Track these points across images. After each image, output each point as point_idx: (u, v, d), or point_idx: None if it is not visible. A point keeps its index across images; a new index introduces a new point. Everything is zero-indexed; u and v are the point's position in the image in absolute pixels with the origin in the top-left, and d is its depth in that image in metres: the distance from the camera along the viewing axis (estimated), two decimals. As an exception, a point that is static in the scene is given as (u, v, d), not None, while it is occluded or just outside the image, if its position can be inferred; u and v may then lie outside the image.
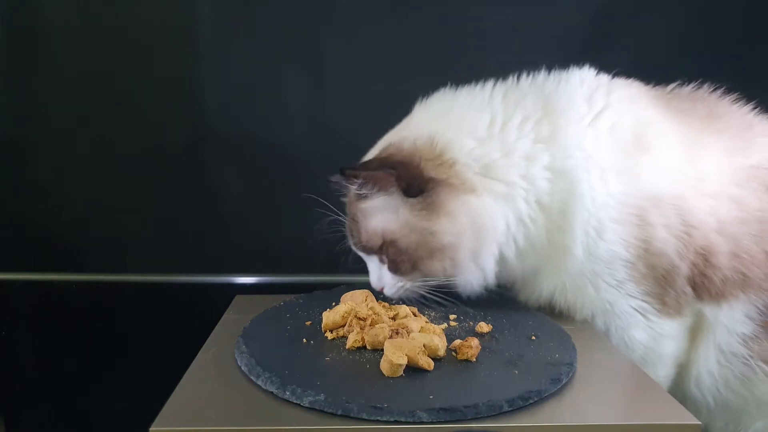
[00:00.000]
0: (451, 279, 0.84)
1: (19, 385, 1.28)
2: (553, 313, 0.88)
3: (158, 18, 1.20)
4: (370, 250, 0.87)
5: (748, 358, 0.84)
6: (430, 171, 0.83)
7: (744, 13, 1.23)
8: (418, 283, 0.86)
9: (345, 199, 0.93)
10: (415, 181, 0.83)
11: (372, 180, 0.83)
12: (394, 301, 0.87)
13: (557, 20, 1.21)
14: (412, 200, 0.83)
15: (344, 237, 0.91)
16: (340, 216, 0.90)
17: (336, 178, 0.87)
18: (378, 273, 0.88)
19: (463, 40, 1.21)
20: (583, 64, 0.92)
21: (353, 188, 0.86)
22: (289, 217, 1.21)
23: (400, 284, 0.86)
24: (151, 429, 0.55)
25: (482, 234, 0.83)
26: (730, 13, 1.23)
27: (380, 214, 0.85)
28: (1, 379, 1.26)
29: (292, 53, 1.21)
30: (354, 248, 0.90)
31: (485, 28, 1.20)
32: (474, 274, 0.85)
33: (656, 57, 1.20)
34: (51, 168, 1.23)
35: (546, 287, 0.88)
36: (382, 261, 0.87)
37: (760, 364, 0.84)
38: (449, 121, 0.87)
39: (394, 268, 0.86)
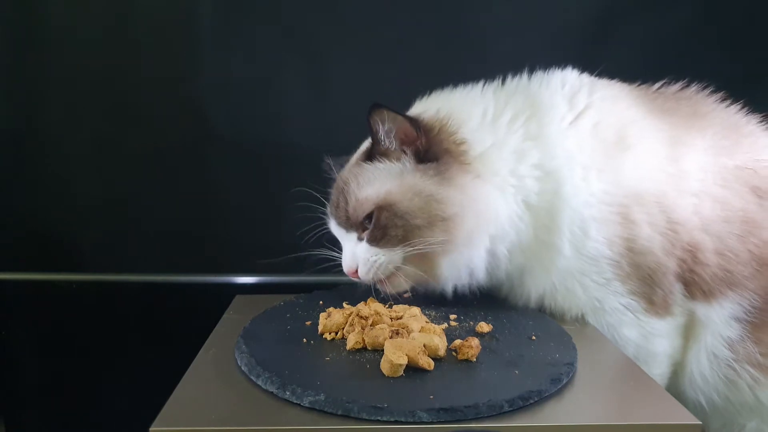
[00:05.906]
0: (438, 247, 0.81)
1: (19, 385, 1.28)
2: (544, 315, 0.88)
3: (158, 18, 1.20)
4: (352, 223, 0.84)
5: (733, 361, 0.84)
6: (447, 144, 0.84)
7: (744, 13, 1.23)
8: (397, 254, 0.82)
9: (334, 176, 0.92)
10: (431, 148, 0.83)
11: (397, 130, 0.83)
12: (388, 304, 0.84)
13: (557, 20, 1.21)
14: (422, 166, 0.83)
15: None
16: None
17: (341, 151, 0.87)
18: (352, 251, 0.85)
19: (463, 40, 1.21)
20: (583, 64, 0.92)
21: (377, 132, 0.83)
22: (289, 217, 1.20)
23: (374, 258, 0.82)
24: (151, 429, 0.55)
25: (480, 218, 0.83)
26: (730, 13, 1.23)
27: (380, 179, 0.84)
28: (1, 379, 1.26)
29: (293, 53, 1.21)
30: (333, 224, 0.88)
31: (485, 28, 1.20)
32: (461, 260, 0.83)
33: (656, 57, 1.20)
34: (51, 167, 1.23)
35: (534, 289, 0.87)
36: (360, 238, 0.85)
37: (746, 367, 0.84)
38: (451, 108, 0.87)
39: (379, 237, 0.82)
